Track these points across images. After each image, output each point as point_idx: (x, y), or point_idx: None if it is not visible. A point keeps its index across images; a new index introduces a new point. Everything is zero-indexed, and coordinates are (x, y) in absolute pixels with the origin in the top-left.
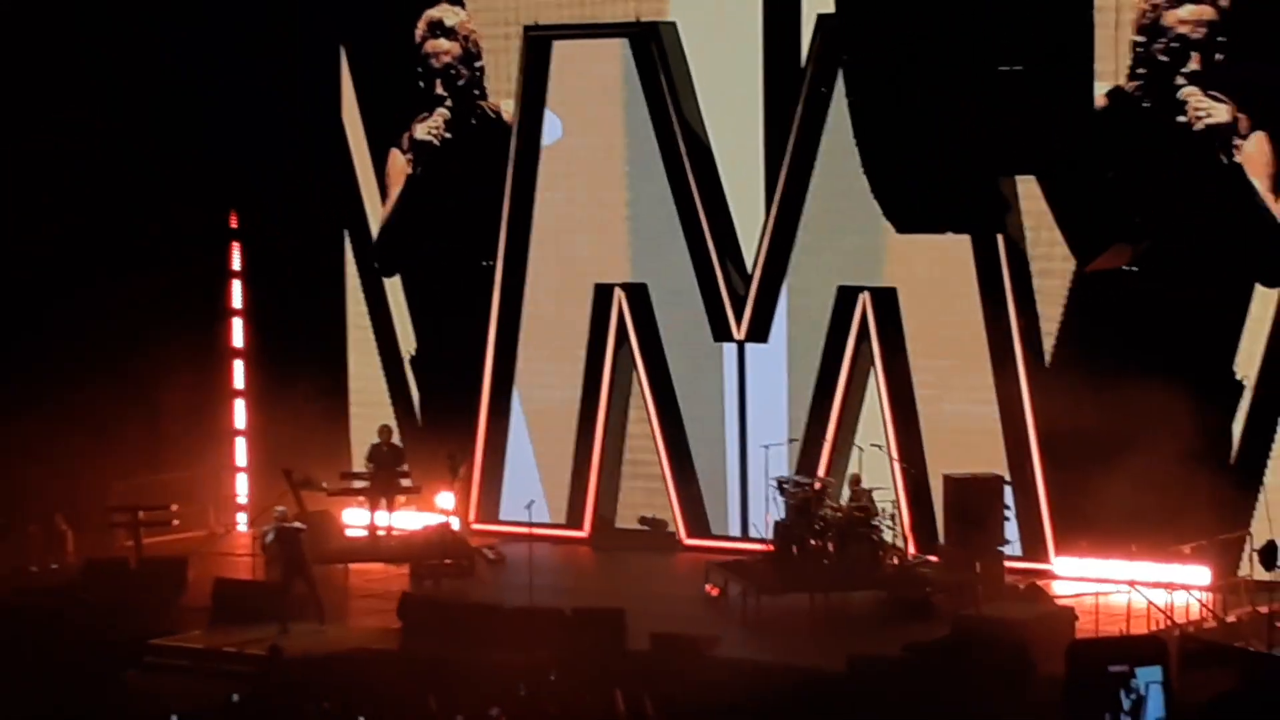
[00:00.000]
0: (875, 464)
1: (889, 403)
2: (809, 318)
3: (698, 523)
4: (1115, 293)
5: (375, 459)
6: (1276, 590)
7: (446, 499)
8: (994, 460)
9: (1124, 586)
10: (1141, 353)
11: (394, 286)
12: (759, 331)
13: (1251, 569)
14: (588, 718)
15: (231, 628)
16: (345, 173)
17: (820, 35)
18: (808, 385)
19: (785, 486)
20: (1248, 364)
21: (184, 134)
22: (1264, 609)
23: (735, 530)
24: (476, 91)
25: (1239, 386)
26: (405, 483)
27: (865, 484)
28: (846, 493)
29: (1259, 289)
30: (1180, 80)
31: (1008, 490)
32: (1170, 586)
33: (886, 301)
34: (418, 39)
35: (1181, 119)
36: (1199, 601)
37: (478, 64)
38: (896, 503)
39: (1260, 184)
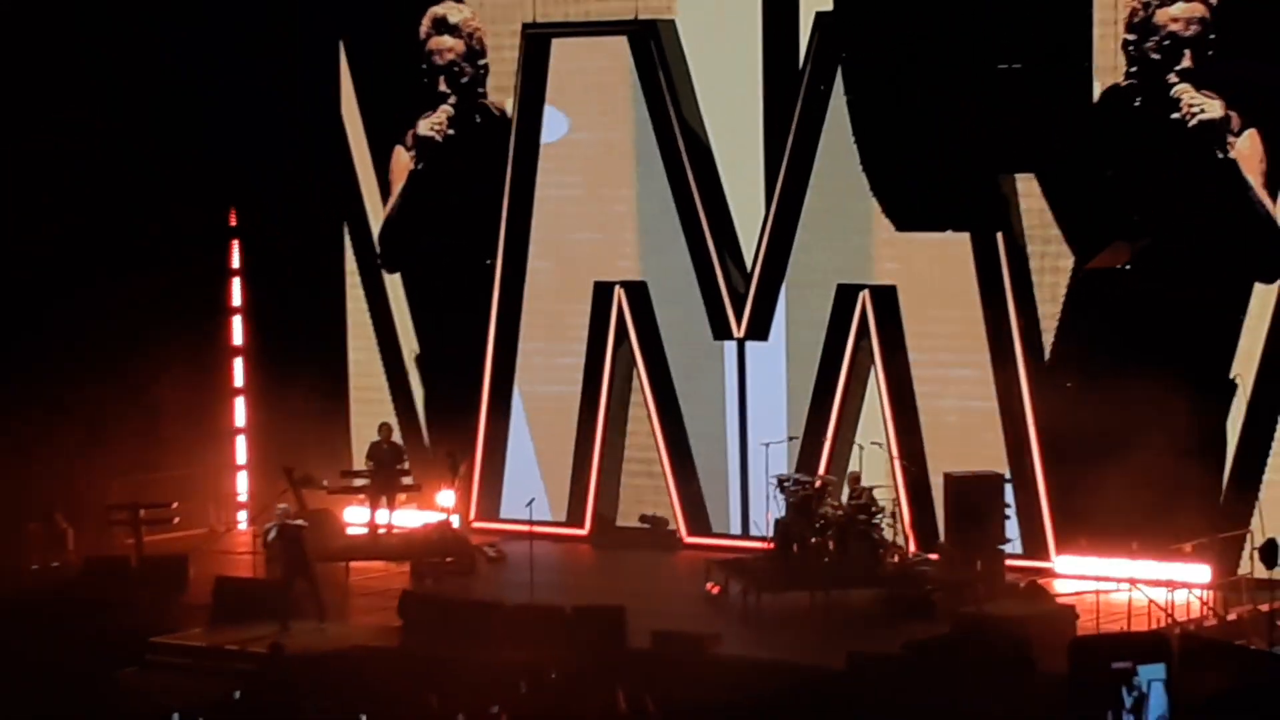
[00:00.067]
0: (875, 462)
1: (889, 401)
2: (809, 316)
3: (698, 521)
4: (1115, 291)
5: (375, 457)
6: (1277, 588)
7: (447, 497)
8: (994, 458)
9: (1124, 585)
10: (1141, 351)
11: (394, 284)
12: (759, 329)
13: (1252, 567)
14: (588, 716)
15: (232, 626)
16: (345, 170)
17: (818, 33)
18: (808, 383)
19: (786, 484)
20: (1247, 362)
21: (183, 133)
22: (1264, 607)
23: (736, 528)
24: (480, 89)
25: (1238, 385)
26: (406, 481)
27: (865, 482)
28: (846, 491)
29: (1258, 287)
30: (1172, 78)
31: (1008, 488)
32: (1171, 584)
33: (886, 299)
34: (421, 35)
35: (1175, 116)
36: (1199, 599)
37: (481, 61)
38: (897, 501)
39: (1254, 180)
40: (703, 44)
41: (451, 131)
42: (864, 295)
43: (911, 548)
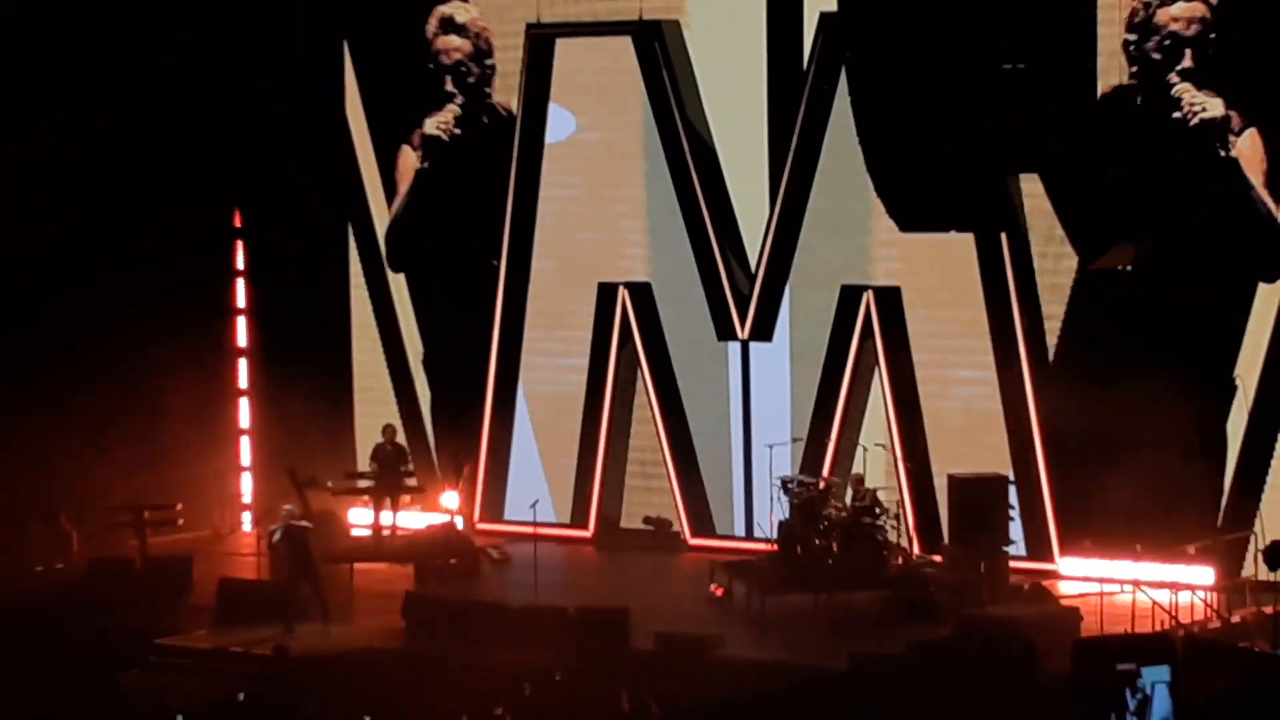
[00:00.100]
0: (879, 463)
1: (893, 402)
2: (813, 317)
3: (702, 522)
4: (1118, 291)
5: (379, 458)
6: None
7: (451, 499)
8: (998, 460)
9: (1128, 586)
10: (1145, 352)
11: (399, 285)
12: (763, 330)
13: (1256, 569)
14: (592, 717)
15: (236, 627)
16: (349, 170)
17: (823, 33)
18: (812, 384)
19: (789, 486)
20: (1251, 363)
21: (186, 133)
22: (1269, 609)
23: (740, 530)
24: (487, 89)
25: (1243, 386)
26: (410, 482)
27: (869, 484)
28: (850, 492)
29: (1262, 287)
30: (1173, 78)
31: (1012, 490)
32: (1175, 586)
33: (890, 300)
34: (429, 35)
35: (1176, 115)
36: (1203, 601)
37: (489, 61)
38: (900, 502)
39: (1255, 180)
40: (708, 44)
41: (458, 131)
42: (868, 296)
43: (915, 549)
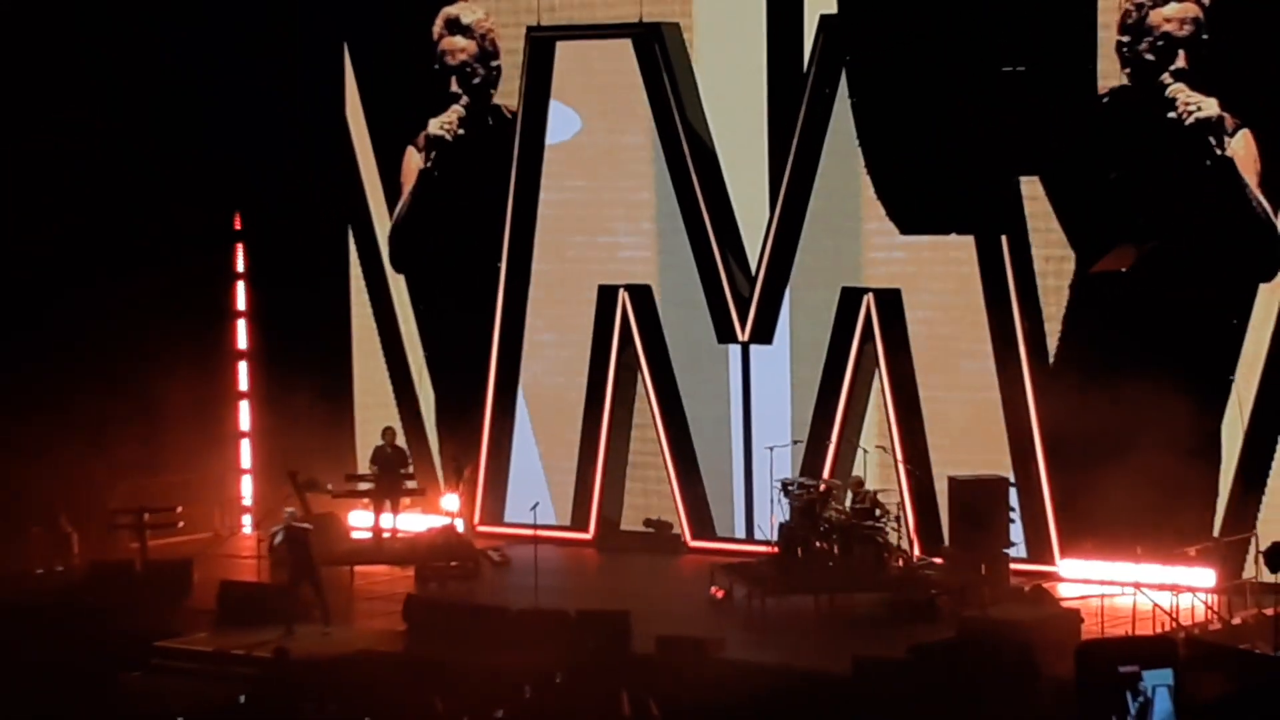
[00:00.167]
0: (880, 466)
1: (893, 404)
2: (813, 319)
3: (702, 525)
4: (1118, 293)
5: (379, 461)
6: None
7: (451, 501)
8: (999, 462)
9: (1129, 588)
10: (1146, 353)
11: (399, 287)
12: (763, 333)
13: (1257, 571)
14: None
15: (237, 630)
16: (349, 173)
17: (823, 35)
18: (812, 387)
19: (790, 488)
20: (1252, 364)
21: (187, 135)
22: (1269, 611)
23: (740, 532)
24: (492, 90)
25: (1244, 387)
26: (410, 485)
27: (870, 486)
28: (850, 495)
29: (1262, 289)
30: (1167, 78)
31: (1012, 492)
32: (1175, 589)
33: (890, 303)
34: (434, 36)
35: (1171, 115)
36: (1204, 604)
37: (494, 63)
38: (901, 504)
39: (1250, 180)
40: (708, 46)
41: (462, 132)
42: (868, 299)
43: (916, 552)
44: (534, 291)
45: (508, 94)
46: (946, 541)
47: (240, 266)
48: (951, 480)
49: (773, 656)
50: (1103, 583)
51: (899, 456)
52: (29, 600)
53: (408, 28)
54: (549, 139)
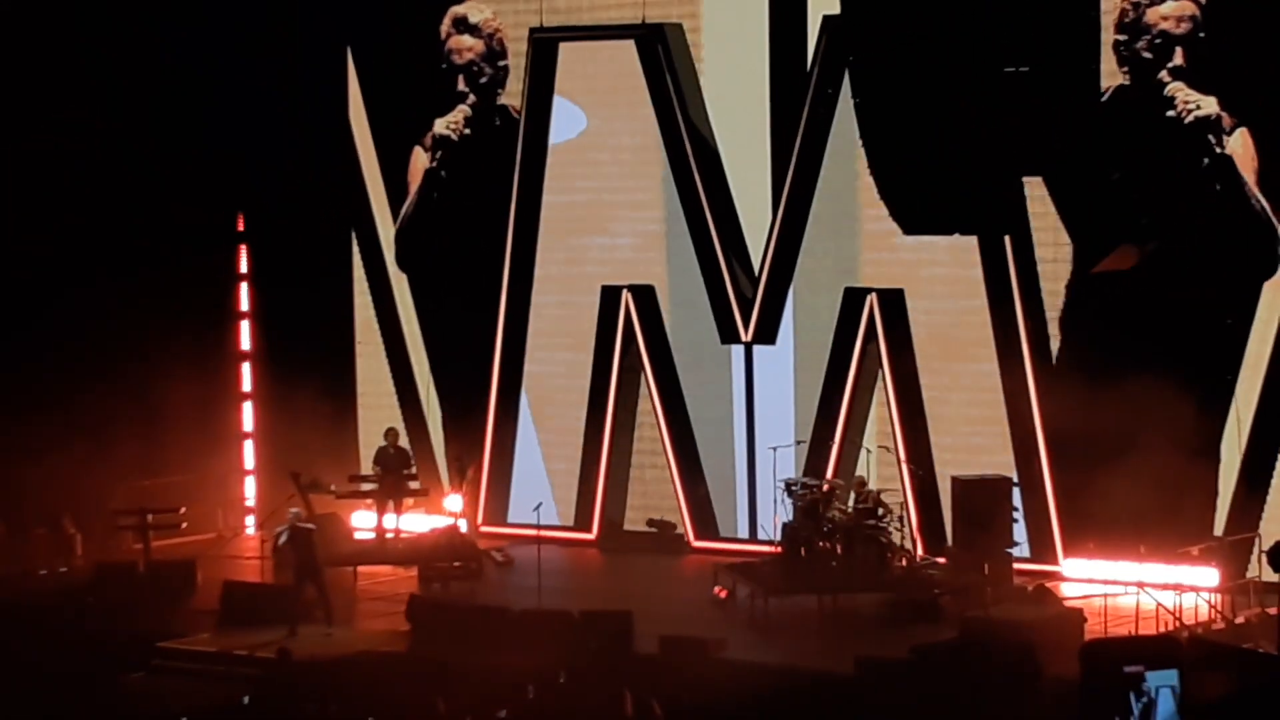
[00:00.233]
0: (883, 466)
1: (896, 404)
2: (816, 319)
3: (706, 525)
4: (1121, 292)
5: (382, 462)
6: None
7: (454, 502)
8: (1002, 462)
9: (1132, 588)
10: (1149, 353)
11: (402, 288)
12: (766, 333)
13: (1260, 570)
14: None
15: (240, 630)
16: (352, 174)
17: (826, 36)
18: (815, 387)
19: (793, 488)
20: (1256, 364)
21: (189, 136)
22: (1273, 610)
23: (743, 532)
24: (500, 90)
25: (1248, 387)
26: (413, 485)
27: (873, 486)
28: (854, 495)
29: (1266, 288)
30: (1165, 76)
31: (1016, 492)
32: (1179, 588)
33: (894, 303)
34: (442, 35)
35: (1170, 114)
36: (1207, 603)
37: (501, 62)
38: (904, 504)
39: (1248, 179)
40: (711, 46)
41: (468, 132)
42: (871, 299)
43: (919, 551)
44: (537, 292)
45: (515, 94)
46: (949, 541)
47: (243, 267)
48: (955, 480)
49: (776, 657)
50: (1106, 582)
51: (902, 456)
52: (32, 601)
53: (411, 28)
54: (555, 137)
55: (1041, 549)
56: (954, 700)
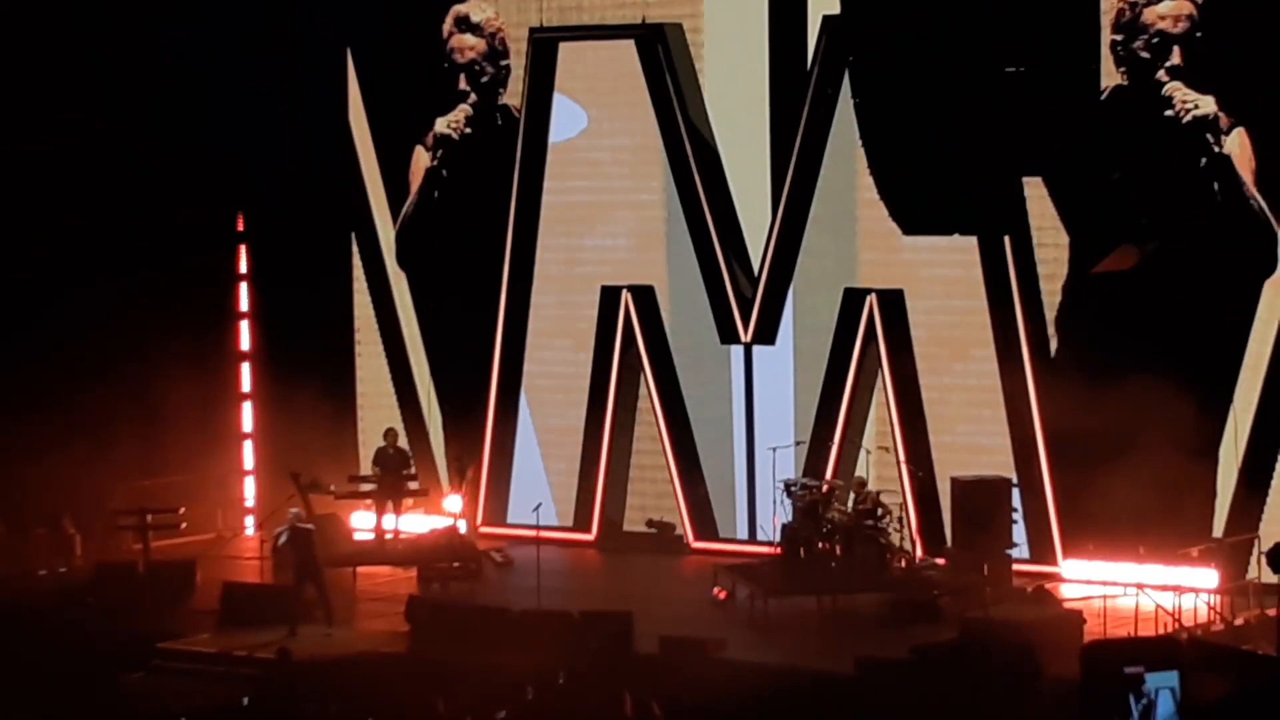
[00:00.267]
0: (883, 466)
1: (896, 405)
2: (816, 320)
3: (705, 525)
4: (1121, 292)
5: (381, 462)
6: None
7: (454, 502)
8: (1001, 463)
9: (1132, 589)
10: (1148, 353)
11: (401, 288)
12: (766, 334)
13: (1260, 572)
14: None
15: (240, 631)
16: (352, 174)
17: (826, 36)
18: (815, 387)
19: (792, 489)
20: (1256, 365)
21: (189, 135)
22: (1272, 612)
23: (743, 533)
24: (501, 90)
25: (1247, 387)
26: (412, 485)
27: (872, 487)
28: (853, 495)
29: (1266, 289)
30: (1163, 76)
31: (1015, 493)
32: (1178, 589)
33: (893, 303)
34: (444, 34)
35: (1169, 113)
36: (1207, 604)
37: (503, 62)
38: (903, 505)
39: (1246, 178)
40: (711, 47)
41: (469, 131)
42: (871, 299)
43: (918, 552)
44: (537, 292)
45: (517, 94)
46: (949, 542)
47: (243, 267)
48: (954, 481)
49: (775, 657)
50: (1105, 583)
51: (901, 457)
52: (32, 601)
53: (411, 29)
54: (556, 136)
55: (1041, 550)
56: (953, 701)
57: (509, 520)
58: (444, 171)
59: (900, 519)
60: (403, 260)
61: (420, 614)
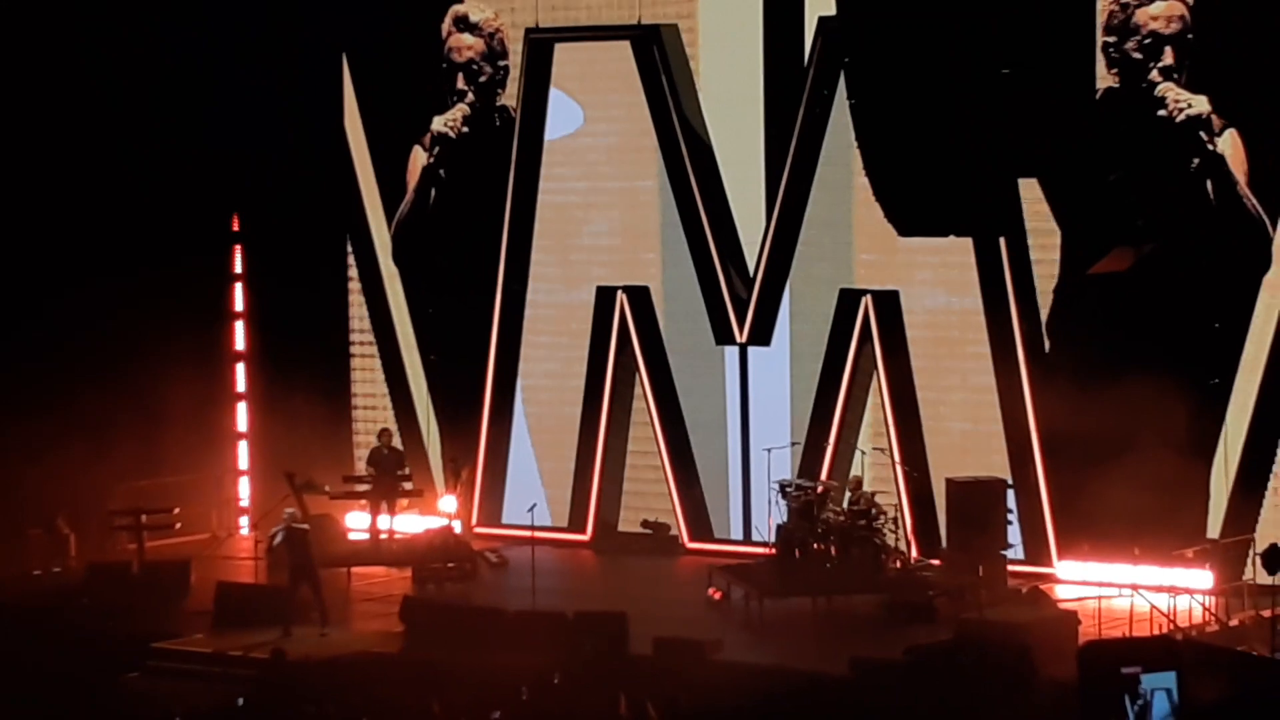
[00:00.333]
0: (878, 467)
1: (891, 406)
2: (811, 321)
3: (700, 526)
4: (1117, 293)
5: (376, 462)
6: (1279, 594)
7: (449, 502)
8: (996, 464)
9: (1127, 590)
10: (1144, 355)
11: (396, 289)
12: (761, 334)
13: (1254, 573)
14: None
15: (234, 631)
16: (347, 175)
17: (821, 37)
18: (810, 388)
19: (788, 490)
20: (1253, 366)
21: (185, 137)
22: (1266, 613)
23: (738, 534)
24: (499, 90)
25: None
26: (406, 486)
27: (867, 487)
28: (848, 496)
29: (1263, 291)
30: (1155, 76)
31: (1010, 494)
32: (1173, 590)
33: (889, 304)
34: (443, 33)
35: (1162, 113)
36: (1201, 605)
37: (502, 62)
38: (899, 506)
39: (1239, 178)
40: (709, 48)
41: (466, 130)
42: (866, 300)
43: (913, 553)
44: (532, 292)
45: (515, 95)
46: (944, 543)
47: (238, 268)
48: (949, 482)
49: (770, 658)
50: (1100, 584)
51: (897, 458)
52: (26, 602)
53: (407, 32)
54: (552, 133)
55: (1036, 551)
56: (948, 702)
57: (504, 521)
58: (441, 171)
59: (895, 520)
60: (398, 259)
61: (415, 614)
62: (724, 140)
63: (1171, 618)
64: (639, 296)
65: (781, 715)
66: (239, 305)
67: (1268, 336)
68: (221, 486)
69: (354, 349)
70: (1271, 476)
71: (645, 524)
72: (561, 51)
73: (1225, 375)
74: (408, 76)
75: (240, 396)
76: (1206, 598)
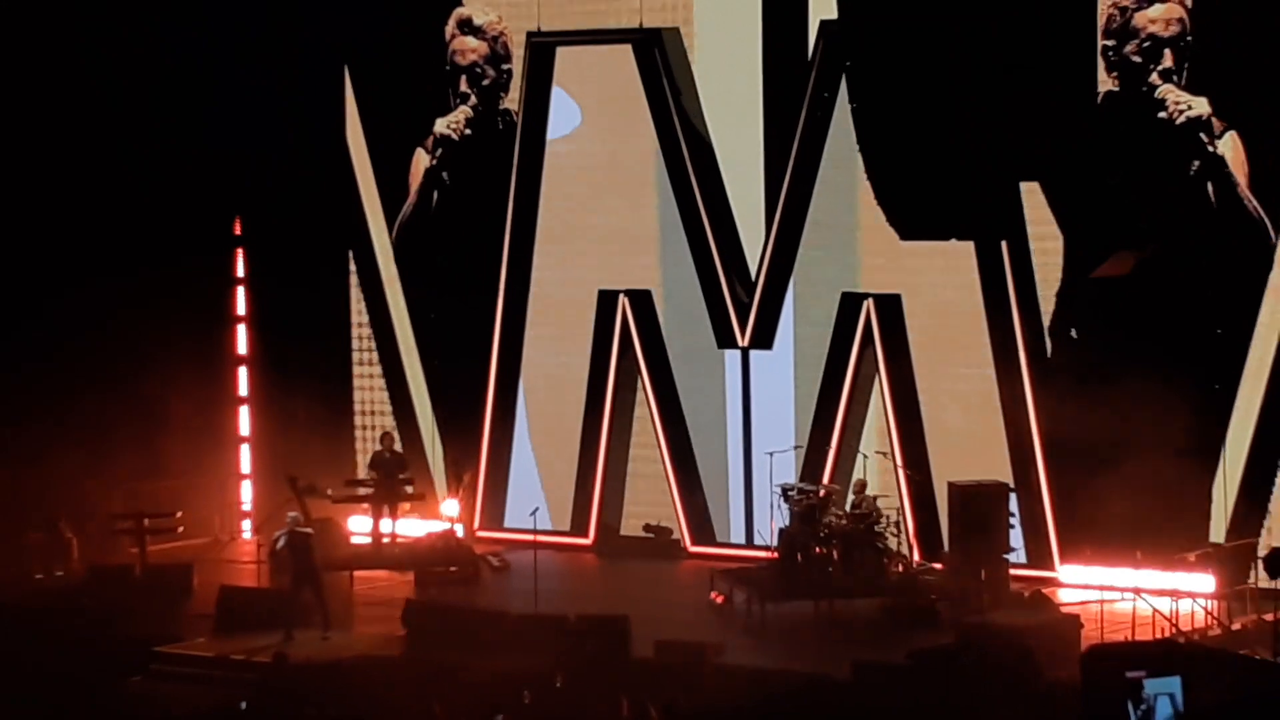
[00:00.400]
0: (880, 471)
1: (893, 409)
2: (813, 324)
3: (702, 530)
4: (1119, 298)
5: (378, 466)
6: None
7: (451, 506)
8: (999, 467)
9: (1129, 594)
10: (1146, 359)
11: (396, 293)
12: (763, 338)
13: (1257, 577)
14: None
15: (237, 635)
16: (348, 179)
17: (823, 41)
18: (812, 392)
19: (790, 494)
20: (1258, 370)
21: (187, 140)
22: (1269, 617)
23: (740, 537)
24: (503, 94)
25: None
26: (408, 489)
27: (870, 491)
28: (850, 500)
29: (1268, 297)
30: (1155, 79)
31: (1012, 498)
32: (1175, 594)
33: (891, 308)
34: (446, 36)
35: (1162, 115)
36: (1204, 609)
37: (505, 66)
38: (901, 510)
39: (1239, 180)
40: (707, 51)
41: (469, 133)
42: (868, 304)
43: (915, 557)
44: (534, 296)
45: (517, 98)
46: (946, 547)
47: (240, 271)
48: (951, 486)
49: (772, 662)
50: (1102, 588)
51: (899, 462)
52: (29, 605)
53: (408, 36)
54: (552, 133)
55: (1038, 555)
56: (951, 705)
57: (506, 524)
58: (443, 173)
59: (897, 523)
60: (400, 261)
61: (417, 618)
62: (725, 144)
63: (1174, 621)
64: (641, 300)
65: (783, 719)
66: (241, 309)
67: (1272, 342)
68: (224, 490)
69: (356, 353)
70: (1277, 481)
71: (647, 528)
72: (561, 58)
73: (1227, 379)
74: (409, 80)
75: (242, 400)
76: (1209, 602)
